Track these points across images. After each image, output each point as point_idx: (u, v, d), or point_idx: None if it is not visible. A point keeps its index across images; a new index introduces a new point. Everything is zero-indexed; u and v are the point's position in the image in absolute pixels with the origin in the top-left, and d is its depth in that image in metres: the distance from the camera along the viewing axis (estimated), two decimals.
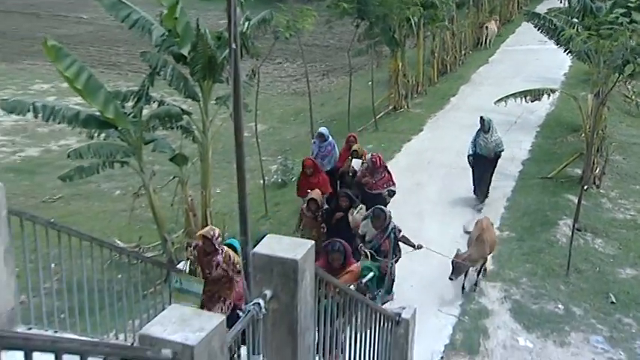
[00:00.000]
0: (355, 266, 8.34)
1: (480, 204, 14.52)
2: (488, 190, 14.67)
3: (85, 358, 2.70)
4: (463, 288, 11.40)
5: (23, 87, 26.05)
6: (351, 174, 13.14)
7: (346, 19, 20.81)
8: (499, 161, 14.34)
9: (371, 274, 8.52)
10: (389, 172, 12.77)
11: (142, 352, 3.13)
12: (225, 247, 7.75)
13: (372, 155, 12.63)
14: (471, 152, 14.32)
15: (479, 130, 14.22)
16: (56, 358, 2.54)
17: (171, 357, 3.18)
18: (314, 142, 14.35)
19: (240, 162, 3.84)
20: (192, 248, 7.88)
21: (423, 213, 13.99)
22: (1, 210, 4.97)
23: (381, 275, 9.20)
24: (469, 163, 14.40)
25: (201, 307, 7.52)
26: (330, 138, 13.79)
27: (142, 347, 3.17)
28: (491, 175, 14.59)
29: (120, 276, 8.55)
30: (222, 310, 7.85)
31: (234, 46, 3.84)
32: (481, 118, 14.24)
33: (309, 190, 11.75)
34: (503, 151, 14.29)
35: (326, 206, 11.90)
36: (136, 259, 8.94)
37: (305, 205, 11.49)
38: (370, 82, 20.69)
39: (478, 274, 11.48)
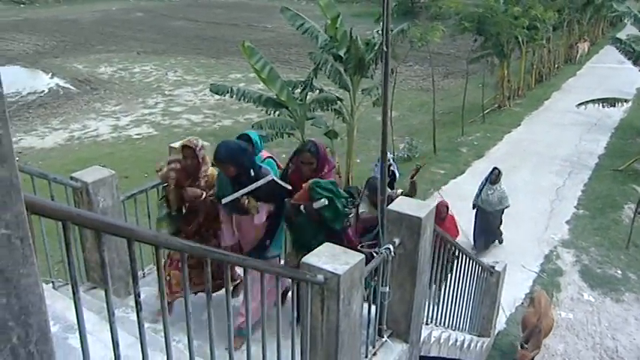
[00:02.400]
0: (306, 184, 4.57)
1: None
2: (494, 240, 11.26)
3: (264, 274, 2.75)
4: None
5: (223, 76, 26.93)
6: None
7: (465, 34, 20.32)
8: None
9: (323, 201, 4.43)
10: None
11: (303, 275, 3.15)
12: (210, 169, 4.83)
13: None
14: (474, 202, 11.05)
15: (487, 180, 10.89)
16: (244, 272, 2.59)
17: (323, 281, 3.18)
18: (375, 165, 11.07)
19: (384, 138, 3.77)
20: (170, 167, 4.83)
21: (517, 189, 13.57)
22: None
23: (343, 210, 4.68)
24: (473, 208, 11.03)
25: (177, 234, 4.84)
26: (391, 160, 11.13)
27: (303, 271, 3.19)
28: (498, 228, 11.13)
29: None
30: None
31: (385, 49, 3.74)
32: (494, 168, 10.84)
33: None
34: (508, 207, 10.93)
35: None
36: None
37: None
38: (481, 85, 20.12)
39: None
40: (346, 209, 4.59)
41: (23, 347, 1.44)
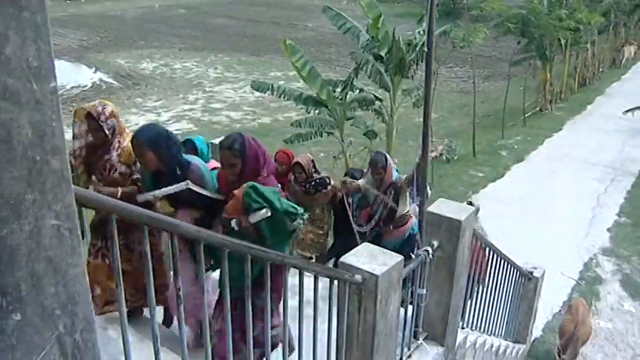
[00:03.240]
0: (239, 190, 3.39)
1: None
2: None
3: (302, 272, 2.74)
4: None
5: (263, 74, 27.00)
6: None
7: (507, 37, 20.08)
8: None
9: (263, 213, 3.25)
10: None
11: (342, 274, 3.14)
12: (126, 142, 3.79)
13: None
14: None
15: None
16: (284, 269, 2.59)
17: (360, 281, 3.17)
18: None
19: (426, 140, 3.73)
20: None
21: (557, 194, 13.33)
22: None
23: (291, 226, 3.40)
24: None
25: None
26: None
27: (341, 271, 3.18)
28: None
29: None
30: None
31: (426, 49, 3.72)
32: (469, 202, 7.69)
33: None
34: None
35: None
36: None
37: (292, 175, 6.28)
38: (522, 88, 19.80)
39: None
40: (295, 224, 3.35)
41: (69, 336, 1.47)
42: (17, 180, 1.29)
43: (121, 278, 2.00)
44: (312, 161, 6.37)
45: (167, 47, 33.71)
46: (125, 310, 2.06)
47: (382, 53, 11.76)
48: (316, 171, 6.37)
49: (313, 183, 6.15)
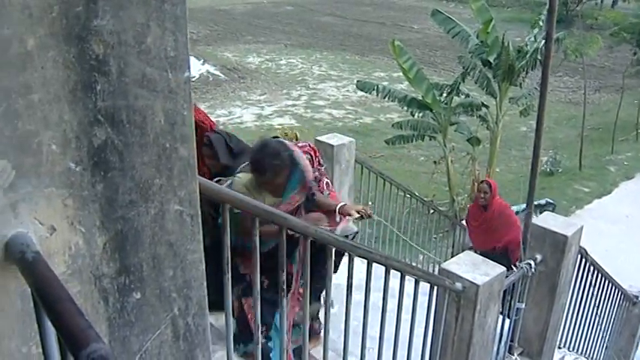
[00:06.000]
0: None
1: None
2: None
3: (404, 275, 2.70)
4: None
5: (367, 74, 26.93)
6: None
7: (622, 46, 19.04)
8: None
9: None
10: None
11: (442, 281, 3.07)
12: None
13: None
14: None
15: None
16: (386, 270, 2.55)
17: (461, 289, 3.09)
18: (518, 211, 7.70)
19: (537, 150, 3.59)
20: None
21: None
22: (351, 158, 5.12)
23: None
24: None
25: None
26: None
27: (442, 277, 3.11)
28: None
29: (416, 220, 8.54)
30: None
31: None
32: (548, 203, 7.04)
33: None
34: None
35: None
36: (429, 210, 8.97)
37: None
38: (636, 101, 18.66)
39: None
40: None
41: (182, 318, 1.50)
42: (147, 165, 1.33)
43: (229, 267, 2.04)
44: None
45: (273, 43, 34.30)
46: (230, 300, 2.11)
47: (491, 59, 11.45)
48: None
49: None
